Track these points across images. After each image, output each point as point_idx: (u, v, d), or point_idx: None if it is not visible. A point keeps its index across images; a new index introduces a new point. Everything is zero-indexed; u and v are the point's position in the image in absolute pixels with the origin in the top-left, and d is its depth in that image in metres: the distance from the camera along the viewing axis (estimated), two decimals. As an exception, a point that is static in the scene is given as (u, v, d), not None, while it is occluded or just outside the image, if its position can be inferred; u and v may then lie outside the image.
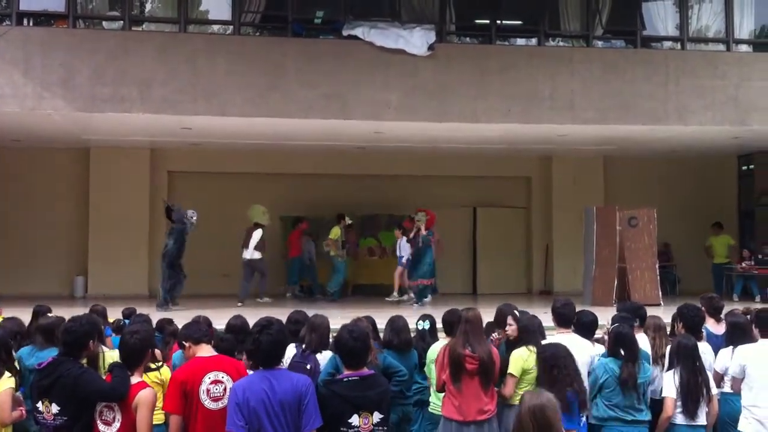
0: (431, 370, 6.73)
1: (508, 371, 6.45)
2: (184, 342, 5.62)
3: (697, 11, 16.66)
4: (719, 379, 6.88)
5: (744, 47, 16.60)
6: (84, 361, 5.33)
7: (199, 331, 5.58)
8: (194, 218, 15.63)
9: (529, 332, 6.75)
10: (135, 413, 5.02)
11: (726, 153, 19.81)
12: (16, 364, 6.31)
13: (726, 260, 18.54)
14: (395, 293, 16.45)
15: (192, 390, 5.14)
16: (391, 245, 16.67)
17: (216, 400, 5.14)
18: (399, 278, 16.51)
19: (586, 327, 7.22)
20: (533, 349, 6.56)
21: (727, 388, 6.85)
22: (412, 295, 15.99)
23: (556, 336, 6.98)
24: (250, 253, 16.31)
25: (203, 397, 5.15)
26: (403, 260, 16.33)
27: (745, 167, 20.49)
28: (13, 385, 5.71)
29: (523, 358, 6.46)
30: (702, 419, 6.39)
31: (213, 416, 5.11)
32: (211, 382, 5.20)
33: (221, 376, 5.24)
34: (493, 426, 6.16)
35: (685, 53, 16.13)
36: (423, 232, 15.95)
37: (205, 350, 5.46)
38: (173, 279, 15.23)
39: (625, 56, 15.80)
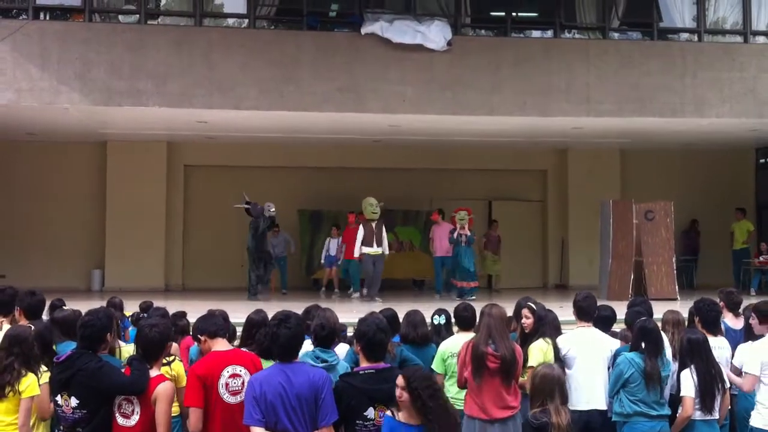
0: (441, 365, 6.72)
1: (529, 364, 6.44)
2: (199, 336, 5.62)
3: (714, 3, 16.53)
4: (738, 374, 6.84)
5: (762, 39, 16.46)
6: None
7: (215, 324, 5.56)
8: (272, 209, 15.90)
9: (545, 324, 6.74)
10: (154, 406, 5.05)
11: (743, 145, 19.69)
12: None
13: (744, 246, 18.41)
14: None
15: (211, 384, 5.17)
16: (408, 239, 16.62)
17: (235, 393, 5.16)
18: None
19: (604, 321, 7.23)
20: (549, 341, 6.55)
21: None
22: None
23: (577, 330, 6.96)
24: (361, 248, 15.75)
25: (222, 391, 5.17)
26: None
27: (762, 160, 20.38)
28: None
29: (542, 350, 6.46)
30: (717, 413, 6.37)
31: (232, 410, 5.13)
32: (230, 376, 5.22)
33: (239, 369, 5.26)
34: (517, 423, 6.12)
35: (703, 45, 16.02)
36: (466, 231, 15.96)
37: (222, 344, 5.47)
38: (257, 271, 15.66)
39: (642, 48, 15.70)
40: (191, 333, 7.91)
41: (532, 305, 6.88)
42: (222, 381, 5.19)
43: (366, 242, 15.51)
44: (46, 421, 5.71)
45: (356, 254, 15.61)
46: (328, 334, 5.76)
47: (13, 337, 5.69)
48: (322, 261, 17.80)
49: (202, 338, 5.59)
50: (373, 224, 15.51)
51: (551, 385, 5.31)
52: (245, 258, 16.45)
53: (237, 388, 5.17)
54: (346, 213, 17.45)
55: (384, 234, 15.58)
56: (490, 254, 18.30)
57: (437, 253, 16.62)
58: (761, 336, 6.91)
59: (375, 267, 15.52)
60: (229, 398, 5.17)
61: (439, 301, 14.84)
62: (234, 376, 5.23)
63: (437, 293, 16.26)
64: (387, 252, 15.70)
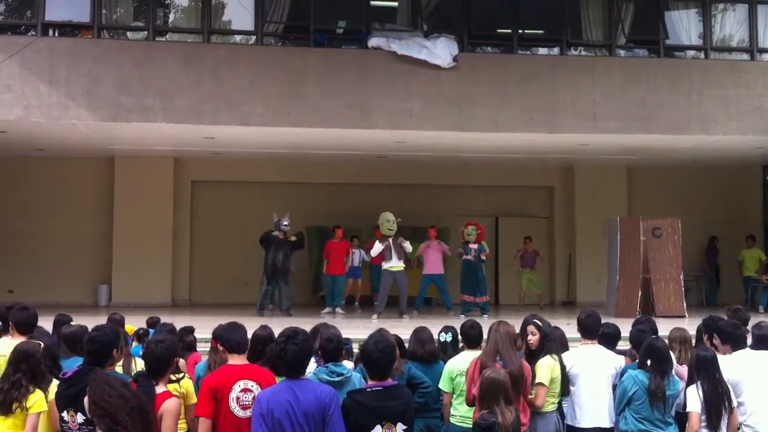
0: (448, 383, 6.69)
1: (537, 381, 6.43)
2: (218, 345, 5.60)
3: (721, 20, 16.56)
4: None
5: (768, 56, 16.49)
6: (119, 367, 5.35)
7: (234, 339, 5.53)
8: (285, 224, 15.85)
9: (551, 341, 6.73)
10: (160, 423, 5.04)
11: (750, 163, 19.67)
12: None
13: (755, 274, 18.38)
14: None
15: (222, 397, 5.19)
16: (416, 257, 16.49)
17: (245, 408, 5.16)
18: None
19: (608, 338, 7.24)
20: (557, 357, 6.55)
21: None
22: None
23: (581, 347, 6.96)
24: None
25: (233, 404, 5.18)
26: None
27: (770, 177, 20.36)
28: None
29: (550, 367, 6.45)
30: (724, 431, 6.33)
31: (240, 424, 5.14)
32: (241, 390, 5.23)
33: (251, 384, 5.26)
34: None
35: (709, 62, 16.04)
36: (474, 246, 15.92)
37: (238, 359, 5.47)
38: (264, 285, 15.67)
39: (648, 66, 15.73)
40: (212, 337, 7.91)
41: (538, 322, 6.87)
42: (233, 395, 5.20)
43: (384, 258, 15.40)
44: None
45: (394, 265, 15.21)
46: (335, 348, 5.84)
47: (21, 353, 5.69)
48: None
49: (221, 348, 5.59)
50: (390, 240, 15.39)
51: (497, 389, 5.47)
52: (253, 275, 16.41)
53: (247, 403, 5.16)
54: (333, 228, 17.28)
55: (406, 247, 15.38)
56: (527, 271, 18.15)
57: (425, 271, 16.23)
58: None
59: (397, 283, 15.28)
60: (239, 412, 5.17)
61: (442, 318, 14.70)
62: (245, 390, 5.24)
63: (415, 309, 15.77)
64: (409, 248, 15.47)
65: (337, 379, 5.74)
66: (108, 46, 14.61)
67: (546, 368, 6.47)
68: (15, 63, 13.79)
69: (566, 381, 6.61)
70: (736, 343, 6.78)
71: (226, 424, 5.17)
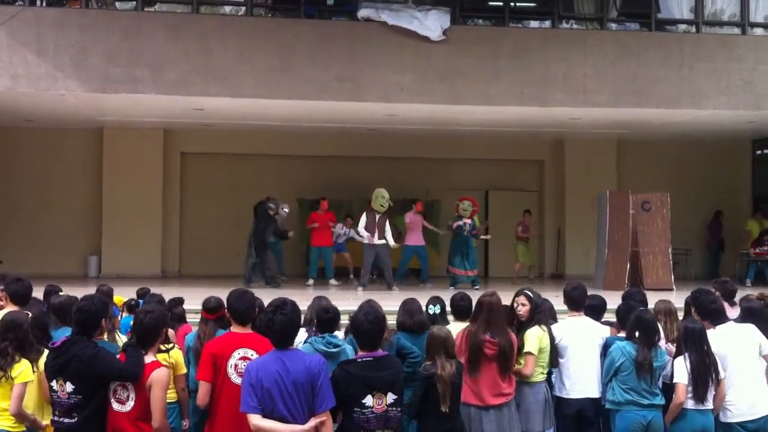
0: None
1: (526, 350, 6.49)
2: (227, 314, 5.73)
3: (713, -6, 16.52)
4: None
5: (759, 30, 16.45)
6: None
7: (239, 309, 5.60)
8: (285, 210, 16.41)
9: (541, 312, 6.78)
10: (149, 392, 5.07)
11: (740, 137, 19.72)
12: None
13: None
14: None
15: (221, 363, 5.33)
16: (405, 229, 16.52)
17: (242, 375, 5.18)
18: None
19: (594, 310, 7.31)
20: (545, 328, 6.59)
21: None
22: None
23: (568, 319, 7.02)
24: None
25: (230, 371, 5.32)
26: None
27: (759, 151, 20.39)
28: None
29: (538, 337, 6.50)
30: (710, 403, 6.39)
31: (237, 390, 5.17)
32: (240, 358, 5.34)
33: (250, 353, 5.35)
34: (511, 409, 6.19)
35: (700, 36, 15.99)
36: (468, 221, 15.96)
37: (240, 328, 5.57)
38: (254, 259, 15.72)
39: (639, 39, 15.68)
40: (182, 322, 7.95)
41: (529, 293, 6.91)
42: (232, 361, 5.34)
43: (368, 237, 15.41)
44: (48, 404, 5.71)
45: (370, 240, 15.24)
46: (331, 318, 6.00)
47: (9, 322, 5.70)
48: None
49: (228, 315, 5.72)
50: (377, 216, 15.40)
51: (438, 344, 5.88)
52: (243, 247, 16.43)
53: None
54: (318, 200, 17.24)
55: (387, 227, 15.43)
56: (521, 243, 18.15)
57: (408, 242, 16.30)
58: (759, 326, 6.91)
59: (380, 256, 15.35)
60: (236, 379, 5.28)
61: (430, 289, 14.77)
62: (244, 358, 5.34)
63: (395, 281, 15.69)
64: (392, 243, 15.57)
65: (333, 350, 5.82)
66: (96, 17, 14.48)
67: (534, 338, 6.52)
68: (2, 33, 13.66)
69: (555, 352, 6.66)
70: (714, 317, 6.80)
71: (223, 389, 5.31)
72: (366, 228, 15.30)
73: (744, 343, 6.59)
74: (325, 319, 6.10)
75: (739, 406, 6.46)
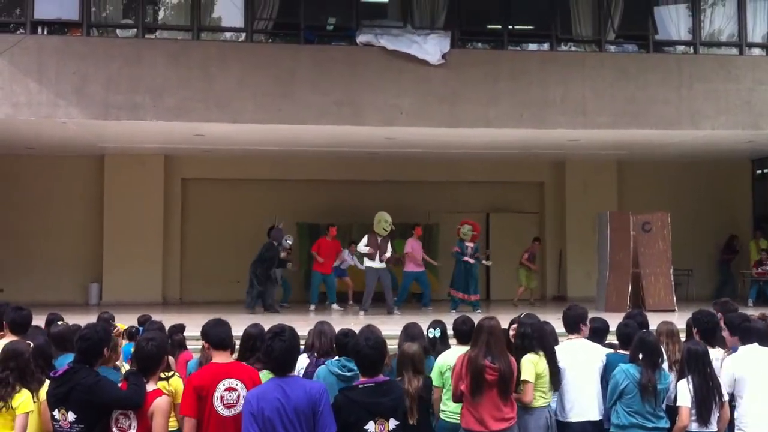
0: (438, 378, 6.71)
1: (522, 378, 6.44)
2: (204, 342, 5.57)
3: (710, 15, 16.57)
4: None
5: (757, 51, 16.52)
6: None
7: (219, 336, 5.47)
8: (289, 242, 16.63)
9: (534, 338, 6.66)
10: (151, 421, 5.05)
11: (740, 157, 19.75)
12: None
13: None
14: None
15: (206, 395, 5.15)
16: (405, 253, 16.51)
17: (229, 407, 5.14)
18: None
19: (597, 333, 7.27)
20: (541, 353, 6.53)
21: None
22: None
23: (567, 342, 7.01)
24: (365, 262, 15.73)
25: (217, 403, 5.14)
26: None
27: (759, 171, 20.41)
28: None
29: (533, 363, 6.44)
30: (714, 426, 6.36)
31: (225, 423, 5.12)
32: (225, 389, 5.18)
33: (235, 383, 5.22)
34: None
35: (698, 57, 16.05)
36: (470, 245, 15.96)
37: (222, 357, 5.41)
38: (258, 288, 15.78)
39: (638, 61, 15.74)
40: (183, 349, 7.94)
41: (525, 320, 6.84)
42: (217, 393, 5.16)
43: (370, 256, 15.47)
44: None
45: (377, 264, 15.37)
46: (349, 342, 5.96)
47: (10, 351, 5.68)
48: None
49: (206, 345, 5.54)
50: (379, 239, 15.47)
51: (407, 360, 5.94)
52: (244, 273, 16.43)
53: (232, 402, 5.15)
54: (327, 225, 17.25)
55: (388, 251, 15.53)
56: (524, 269, 18.06)
57: (407, 269, 16.29)
58: (734, 348, 6.92)
59: (381, 280, 15.41)
60: (223, 411, 5.14)
61: (432, 313, 14.72)
62: (230, 389, 5.19)
63: (396, 305, 15.70)
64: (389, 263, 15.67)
65: (348, 374, 5.84)
66: (97, 44, 14.57)
67: (529, 364, 6.45)
68: (4, 61, 13.75)
69: (556, 373, 6.59)
70: (745, 335, 6.78)
71: (210, 423, 5.13)
72: (369, 253, 15.37)
73: (765, 365, 6.55)
74: (344, 343, 6.11)
75: (757, 428, 6.41)
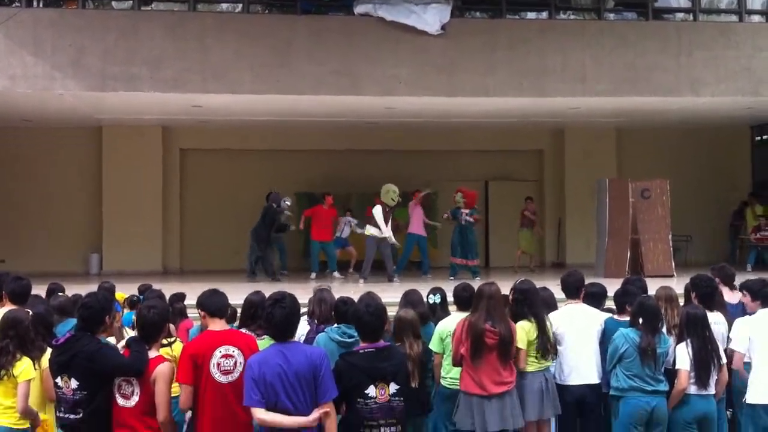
0: (438, 344, 6.75)
1: (516, 345, 6.47)
2: (199, 311, 5.60)
3: (710, -18, 16.52)
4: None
5: (757, 17, 16.43)
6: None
7: (215, 304, 5.51)
8: (287, 203, 16.54)
9: (519, 304, 6.64)
10: (153, 387, 5.09)
11: (739, 124, 19.74)
12: None
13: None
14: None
15: (203, 363, 5.18)
16: (405, 221, 16.58)
17: (226, 373, 5.18)
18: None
19: (595, 297, 7.32)
20: (533, 320, 6.55)
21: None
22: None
23: (565, 307, 7.07)
24: (367, 229, 15.62)
25: (213, 370, 5.17)
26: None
27: (758, 137, 20.41)
28: None
29: (525, 330, 6.46)
30: (712, 388, 6.43)
31: (222, 389, 5.16)
32: (222, 356, 5.21)
33: (232, 350, 5.25)
34: (513, 398, 6.20)
35: (698, 24, 15.99)
36: (465, 210, 16.01)
37: (218, 324, 5.45)
38: (257, 253, 15.86)
39: (637, 28, 15.68)
40: (183, 317, 7.99)
41: (515, 285, 6.85)
42: (214, 360, 5.19)
43: (372, 224, 15.47)
44: (53, 403, 5.73)
45: (384, 234, 15.33)
46: (349, 309, 6.02)
47: (10, 319, 5.72)
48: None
49: (202, 314, 5.57)
50: (387, 209, 15.54)
51: (406, 325, 6.18)
52: (243, 242, 16.48)
53: (229, 368, 5.19)
54: (323, 194, 17.26)
55: (390, 222, 15.61)
56: (525, 231, 18.14)
57: (411, 229, 16.34)
58: (753, 313, 6.97)
59: (381, 248, 15.45)
60: (220, 377, 5.18)
61: (431, 281, 14.79)
62: (226, 356, 5.22)
63: (396, 273, 15.74)
64: (393, 240, 15.67)
65: (348, 340, 5.93)
66: (93, 16, 14.50)
67: (522, 332, 6.46)
68: (0, 34, 13.68)
69: (545, 341, 6.54)
70: (765, 299, 6.88)
71: (207, 389, 5.16)
72: (370, 220, 15.46)
73: None
74: (343, 310, 6.16)
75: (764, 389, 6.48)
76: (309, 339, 6.47)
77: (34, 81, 13.89)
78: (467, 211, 16.10)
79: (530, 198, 18.59)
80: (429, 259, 16.72)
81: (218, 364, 5.19)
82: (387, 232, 15.38)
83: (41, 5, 14.86)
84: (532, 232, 18.28)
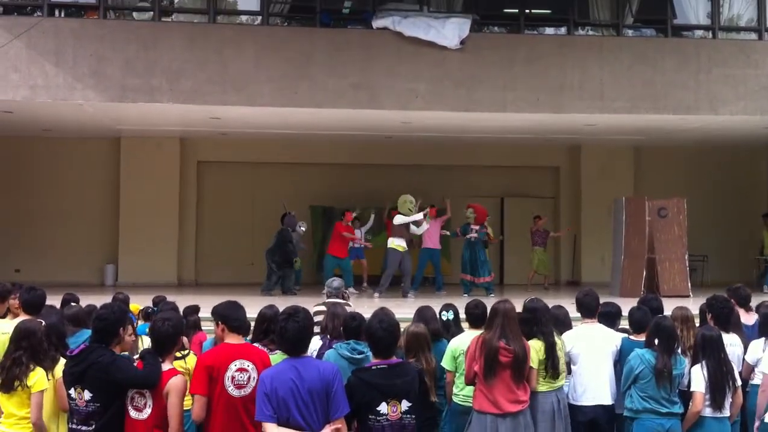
0: (451, 362, 6.73)
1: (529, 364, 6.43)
2: (219, 322, 5.57)
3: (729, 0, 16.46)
4: (749, 370, 6.84)
5: (776, 36, 16.38)
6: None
7: (237, 319, 5.50)
8: (302, 228, 16.67)
9: (527, 324, 6.54)
10: (166, 400, 5.09)
11: (758, 143, 19.57)
12: None
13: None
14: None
15: (218, 376, 5.17)
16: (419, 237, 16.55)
17: (240, 387, 5.17)
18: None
19: (609, 317, 7.28)
20: (543, 339, 6.50)
21: (757, 380, 6.80)
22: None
23: (581, 326, 7.01)
24: (390, 242, 15.66)
25: (228, 383, 5.16)
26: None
27: (776, 157, 20.29)
28: None
29: (536, 350, 6.42)
30: (727, 411, 6.37)
31: (234, 403, 5.15)
32: (237, 370, 5.20)
33: (246, 364, 5.24)
34: (527, 418, 6.14)
35: (717, 42, 15.95)
36: (475, 227, 15.99)
37: (235, 339, 5.44)
38: (276, 274, 15.94)
39: (656, 45, 15.66)
40: (211, 314, 7.98)
41: (525, 304, 6.80)
42: (229, 374, 5.18)
43: (394, 234, 15.46)
44: (66, 413, 5.74)
45: (417, 219, 15.41)
46: (358, 325, 6.05)
47: (23, 330, 5.74)
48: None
49: (220, 326, 5.55)
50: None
51: (421, 340, 6.31)
52: (259, 255, 16.49)
53: (242, 382, 5.18)
54: (343, 211, 17.15)
55: (414, 231, 15.64)
56: (538, 251, 18.04)
57: (425, 244, 16.33)
58: None
59: (403, 263, 15.44)
60: (233, 391, 5.16)
61: (445, 297, 14.73)
62: (241, 370, 5.21)
63: (412, 290, 15.73)
64: (424, 228, 15.71)
65: (357, 356, 5.88)
66: (114, 27, 14.60)
67: (533, 351, 6.41)
68: (21, 44, 13.80)
69: (556, 361, 6.46)
70: None
71: (220, 402, 5.15)
72: (396, 233, 15.42)
73: None
74: (352, 326, 6.15)
75: None
76: (321, 354, 6.45)
77: (55, 91, 13.99)
78: (476, 227, 16.07)
79: (539, 216, 18.45)
80: (442, 275, 16.67)
81: (233, 378, 5.18)
82: (419, 218, 15.41)
83: (63, 15, 14.98)
84: (545, 251, 18.16)
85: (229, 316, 5.50)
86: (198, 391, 5.18)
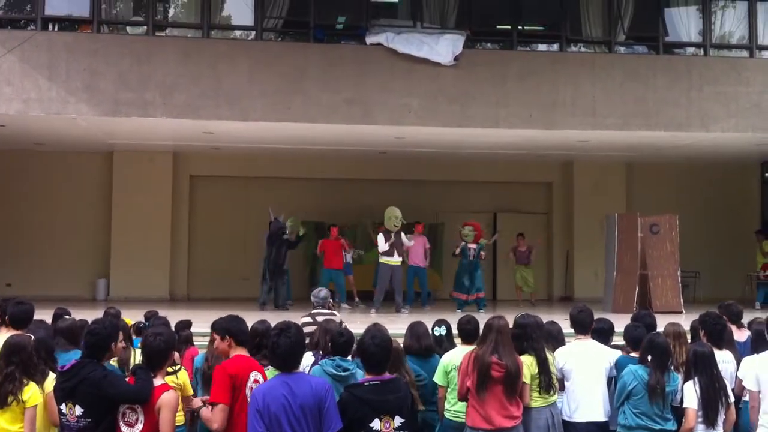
0: (443, 377, 6.71)
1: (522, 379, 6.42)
2: (225, 336, 5.61)
3: (721, 17, 16.54)
4: (742, 387, 6.84)
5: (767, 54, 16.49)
6: (114, 361, 5.37)
7: (244, 333, 5.64)
8: (288, 224, 16.46)
9: (518, 340, 6.56)
10: (158, 415, 5.06)
11: (749, 160, 19.70)
12: None
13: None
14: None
15: (240, 385, 5.25)
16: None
17: None
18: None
19: (602, 333, 7.27)
20: (534, 355, 6.50)
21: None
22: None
23: (574, 342, 7.01)
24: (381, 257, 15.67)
25: (248, 393, 5.21)
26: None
27: (768, 174, 20.37)
28: None
29: (527, 365, 6.41)
30: (720, 427, 6.37)
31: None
32: (254, 381, 5.31)
33: (259, 376, 5.37)
34: None
35: (708, 59, 16.04)
36: (473, 246, 15.98)
37: (243, 351, 5.56)
38: (269, 283, 15.90)
39: (648, 63, 15.73)
40: (211, 327, 7.95)
41: (516, 320, 6.81)
42: (249, 383, 5.28)
43: (386, 253, 15.46)
44: (57, 428, 5.70)
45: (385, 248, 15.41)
46: (345, 342, 6.04)
47: (13, 345, 5.71)
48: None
49: (227, 339, 5.57)
50: (392, 235, 15.51)
51: (401, 355, 6.44)
52: (252, 270, 16.46)
53: None
54: (329, 226, 17.16)
55: (406, 243, 15.63)
56: (521, 268, 18.01)
57: (410, 262, 16.29)
58: None
59: (394, 277, 15.46)
60: None
61: (436, 312, 14.70)
62: (257, 381, 5.30)
63: (405, 305, 15.78)
64: (407, 242, 15.68)
65: (342, 373, 5.82)
66: (107, 41, 14.61)
67: (524, 367, 6.40)
68: (15, 57, 13.81)
69: (548, 376, 6.48)
70: None
71: (241, 412, 5.15)
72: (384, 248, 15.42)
73: None
74: (339, 342, 6.12)
75: None
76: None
77: (48, 104, 13.98)
78: (474, 246, 16.08)
79: (521, 235, 18.40)
80: (429, 290, 16.67)
81: (251, 389, 5.23)
82: (395, 258, 15.36)
83: (56, 29, 14.98)
84: (526, 267, 18.10)
85: (237, 330, 5.61)
86: (221, 400, 5.20)
